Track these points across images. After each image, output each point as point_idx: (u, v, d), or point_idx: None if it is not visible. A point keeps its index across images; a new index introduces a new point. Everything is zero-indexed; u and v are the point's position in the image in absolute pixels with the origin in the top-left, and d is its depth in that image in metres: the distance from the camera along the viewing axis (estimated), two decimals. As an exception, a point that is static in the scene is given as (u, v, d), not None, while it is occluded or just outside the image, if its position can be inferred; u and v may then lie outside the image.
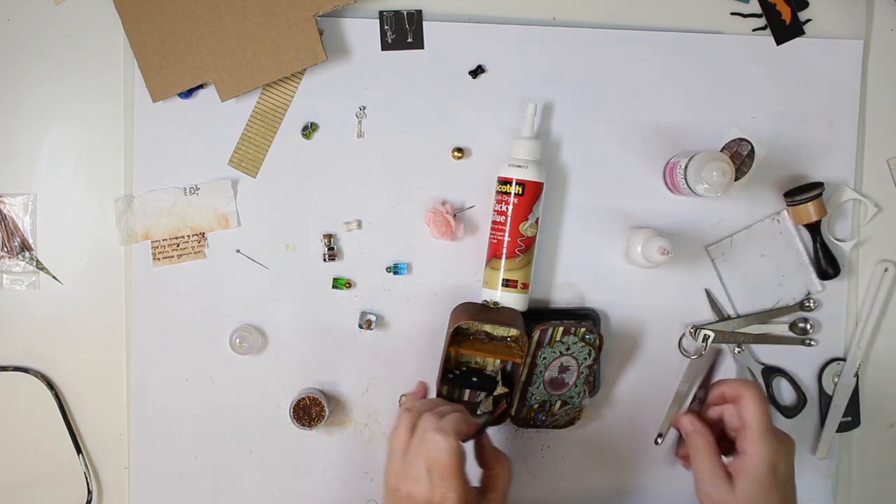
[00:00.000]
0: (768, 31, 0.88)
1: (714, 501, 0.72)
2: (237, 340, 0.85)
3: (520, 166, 0.82)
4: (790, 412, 0.89)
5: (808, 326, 0.89)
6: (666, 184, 0.87)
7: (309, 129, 0.86)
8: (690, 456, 0.76)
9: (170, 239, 0.86)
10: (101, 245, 0.86)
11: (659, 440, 0.89)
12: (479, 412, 0.85)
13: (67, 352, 0.86)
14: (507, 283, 0.83)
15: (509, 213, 0.83)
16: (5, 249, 0.86)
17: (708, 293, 0.89)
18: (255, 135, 0.86)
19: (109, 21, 0.84)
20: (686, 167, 0.81)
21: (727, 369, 0.89)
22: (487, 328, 0.84)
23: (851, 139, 0.89)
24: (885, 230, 0.90)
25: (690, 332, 0.88)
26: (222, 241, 0.86)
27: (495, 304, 0.83)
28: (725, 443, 0.77)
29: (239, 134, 0.86)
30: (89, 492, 0.87)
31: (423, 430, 0.70)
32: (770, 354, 0.90)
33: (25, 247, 0.86)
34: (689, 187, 0.81)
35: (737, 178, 0.86)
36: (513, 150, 0.84)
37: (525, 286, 0.83)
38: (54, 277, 0.86)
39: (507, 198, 0.83)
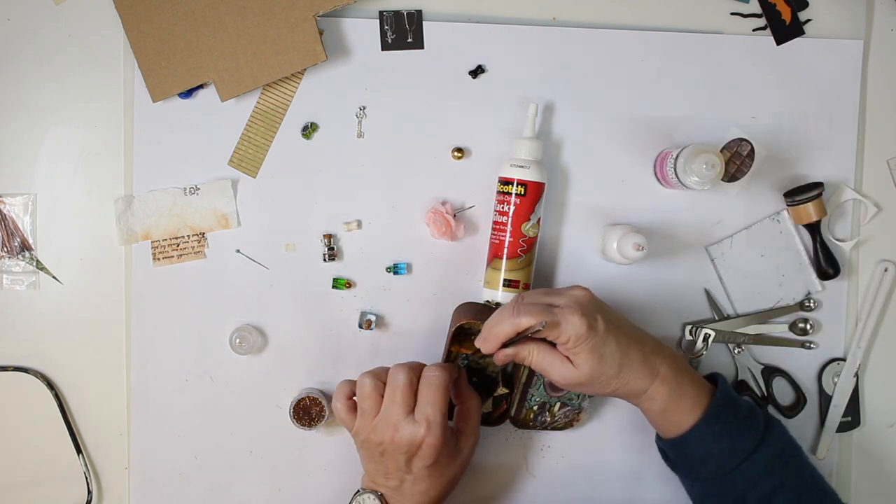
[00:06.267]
0: (768, 31, 0.88)
1: (569, 384, 0.75)
2: (237, 340, 0.85)
3: (521, 167, 0.82)
4: (790, 412, 0.89)
5: (808, 326, 0.89)
6: (655, 175, 0.86)
7: (309, 129, 0.86)
8: (534, 368, 0.76)
9: (170, 239, 0.86)
10: (101, 245, 0.86)
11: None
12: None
13: (67, 352, 0.86)
14: (509, 284, 0.83)
15: (511, 213, 0.82)
16: (5, 249, 0.86)
17: (708, 293, 0.89)
18: (255, 135, 0.86)
19: (109, 21, 0.84)
20: (676, 158, 0.81)
21: (726, 367, 0.90)
22: (488, 328, 0.84)
23: (851, 139, 0.89)
24: (885, 230, 0.90)
25: (690, 332, 0.88)
26: (222, 241, 0.86)
27: (497, 304, 0.83)
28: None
29: (239, 134, 0.86)
30: (89, 492, 0.87)
31: (396, 371, 0.75)
32: (770, 354, 0.90)
33: (25, 247, 0.86)
34: (679, 179, 0.81)
35: (737, 178, 0.86)
36: (514, 150, 0.83)
37: (527, 287, 0.83)
38: (54, 277, 0.86)
39: (508, 198, 0.83)
